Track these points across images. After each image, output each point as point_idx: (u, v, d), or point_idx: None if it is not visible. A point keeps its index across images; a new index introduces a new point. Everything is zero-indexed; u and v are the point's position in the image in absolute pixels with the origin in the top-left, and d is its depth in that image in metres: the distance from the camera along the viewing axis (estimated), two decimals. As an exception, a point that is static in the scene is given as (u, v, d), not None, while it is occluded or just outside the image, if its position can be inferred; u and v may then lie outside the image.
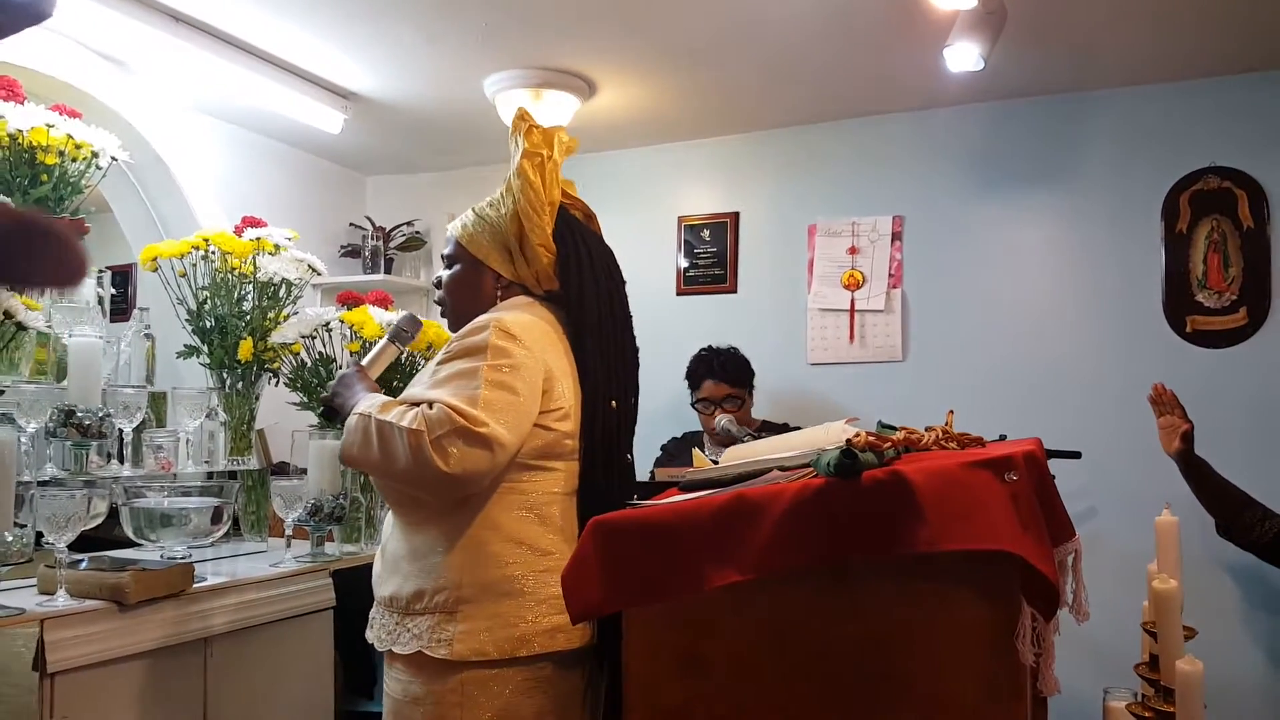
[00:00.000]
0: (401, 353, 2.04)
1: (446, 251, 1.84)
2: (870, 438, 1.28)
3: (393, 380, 2.55)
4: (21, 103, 2.20)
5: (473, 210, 1.81)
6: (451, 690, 1.53)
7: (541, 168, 1.72)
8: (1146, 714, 1.45)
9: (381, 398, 1.64)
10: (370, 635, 1.67)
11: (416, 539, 1.61)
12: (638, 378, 1.82)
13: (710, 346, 3.39)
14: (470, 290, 1.78)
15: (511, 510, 1.58)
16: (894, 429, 1.53)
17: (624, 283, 1.83)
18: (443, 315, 1.85)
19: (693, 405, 3.36)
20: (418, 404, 1.53)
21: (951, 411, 1.85)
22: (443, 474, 1.47)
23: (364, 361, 1.86)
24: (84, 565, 1.92)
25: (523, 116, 1.76)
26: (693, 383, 3.36)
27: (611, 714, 1.60)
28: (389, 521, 1.71)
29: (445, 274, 1.83)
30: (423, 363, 2.61)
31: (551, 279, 1.75)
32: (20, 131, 2.15)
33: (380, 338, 1.99)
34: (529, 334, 1.60)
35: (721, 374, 3.28)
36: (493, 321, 1.58)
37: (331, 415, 1.78)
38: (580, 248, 1.74)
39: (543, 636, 1.54)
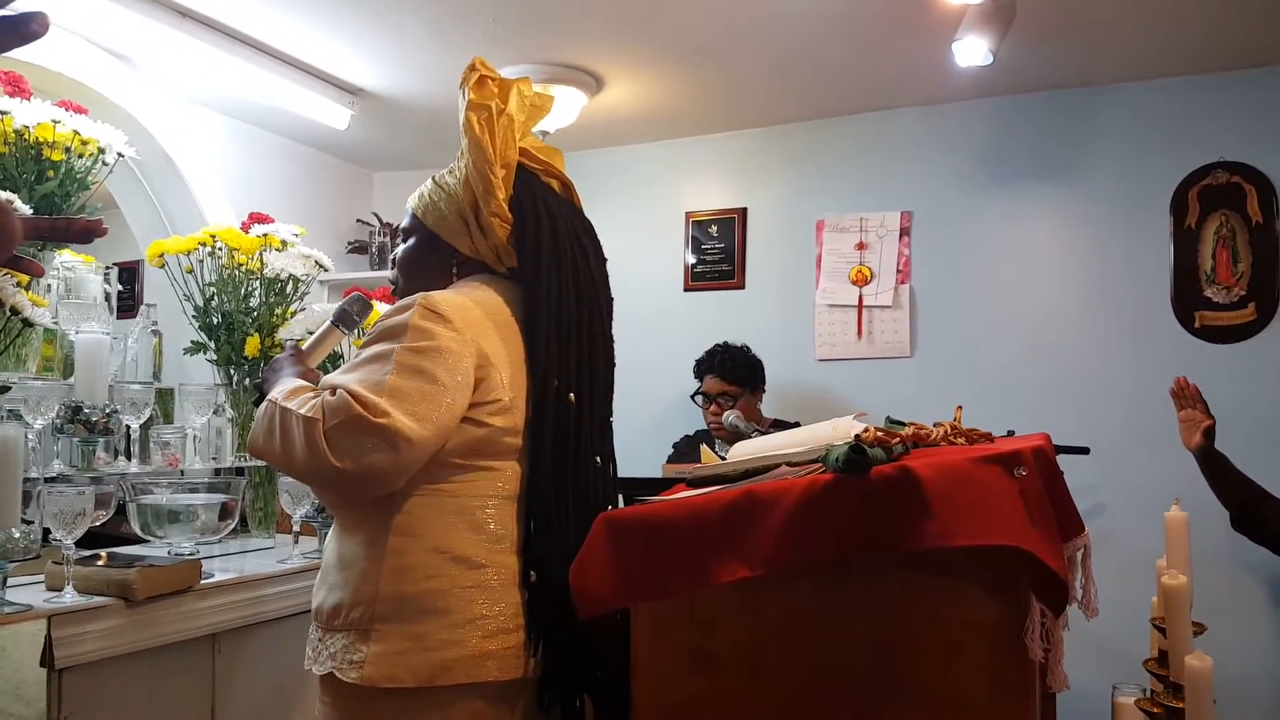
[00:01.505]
0: (346, 337, 1.84)
1: (402, 224, 1.63)
2: (879, 433, 1.27)
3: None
4: (28, 98, 2.20)
5: (432, 178, 1.59)
6: (365, 717, 1.34)
7: (489, 122, 1.48)
8: (1155, 710, 1.45)
9: (298, 383, 1.45)
10: (306, 651, 1.47)
11: (343, 546, 1.42)
12: (611, 370, 1.59)
13: (725, 343, 3.42)
14: (423, 267, 1.57)
15: (437, 515, 1.37)
16: (902, 425, 1.52)
17: (603, 261, 1.61)
18: (393, 294, 1.64)
19: (692, 397, 3.40)
20: (324, 391, 1.35)
21: (960, 407, 1.85)
22: (334, 469, 1.28)
23: (305, 346, 1.68)
24: (99, 562, 1.92)
25: (474, 66, 1.52)
26: (698, 375, 3.40)
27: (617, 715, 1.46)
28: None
29: (399, 249, 1.63)
30: None
31: (512, 254, 1.51)
32: (26, 127, 2.16)
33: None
34: (460, 315, 1.38)
35: (721, 370, 3.31)
36: (419, 299, 1.37)
37: (260, 401, 1.55)
38: (543, 217, 1.51)
39: (468, 664, 1.32)
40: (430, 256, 1.57)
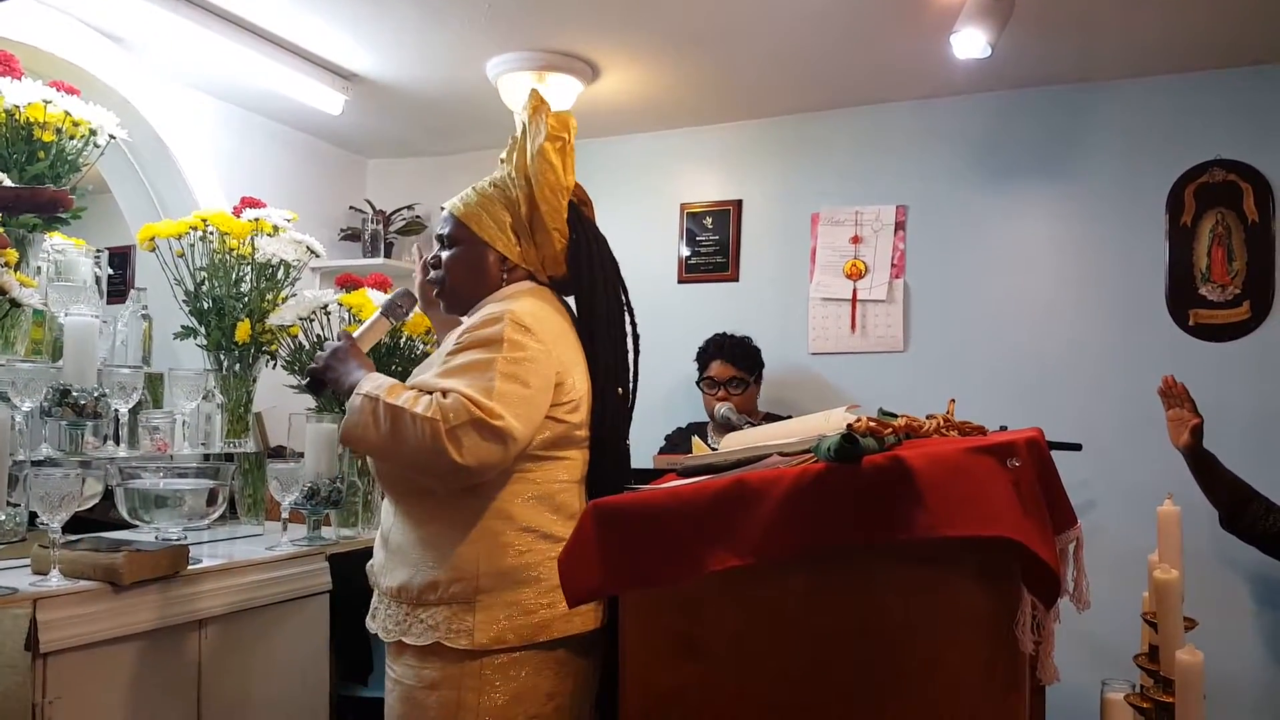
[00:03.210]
0: (393, 327, 2.03)
1: (445, 231, 1.78)
2: (871, 423, 1.27)
3: (391, 364, 2.54)
4: (19, 78, 2.18)
5: (473, 190, 1.77)
6: (470, 675, 1.53)
7: (563, 151, 1.71)
8: (1145, 705, 1.44)
9: (387, 379, 1.61)
10: (373, 625, 1.66)
11: (424, 530, 1.60)
12: (637, 367, 1.83)
13: (724, 332, 3.44)
14: (473, 272, 1.74)
15: (523, 499, 1.59)
16: (895, 417, 1.51)
17: (618, 268, 1.84)
18: (438, 296, 1.81)
19: (698, 384, 3.39)
20: (430, 391, 1.52)
21: (953, 400, 1.84)
22: (456, 464, 1.46)
23: (355, 335, 1.81)
24: (80, 546, 1.90)
25: (539, 98, 1.74)
26: (701, 362, 3.40)
27: (607, 695, 1.60)
28: (389, 510, 1.69)
29: (445, 254, 1.77)
30: (420, 345, 2.60)
31: (558, 265, 1.74)
32: (17, 107, 2.13)
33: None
34: (542, 327, 1.60)
35: (730, 356, 3.34)
36: (507, 314, 1.57)
37: (318, 387, 1.75)
38: (591, 238, 1.75)
39: (560, 621, 1.56)
40: (483, 261, 1.74)
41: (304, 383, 1.79)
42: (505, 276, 1.74)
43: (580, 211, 1.77)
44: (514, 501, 1.58)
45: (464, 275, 1.75)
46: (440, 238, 1.80)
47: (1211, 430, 2.72)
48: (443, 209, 1.80)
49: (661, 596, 1.29)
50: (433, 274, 1.81)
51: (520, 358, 1.53)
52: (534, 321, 1.59)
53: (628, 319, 1.80)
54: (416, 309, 1.97)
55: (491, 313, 1.59)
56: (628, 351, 1.79)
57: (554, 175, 1.69)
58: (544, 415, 1.57)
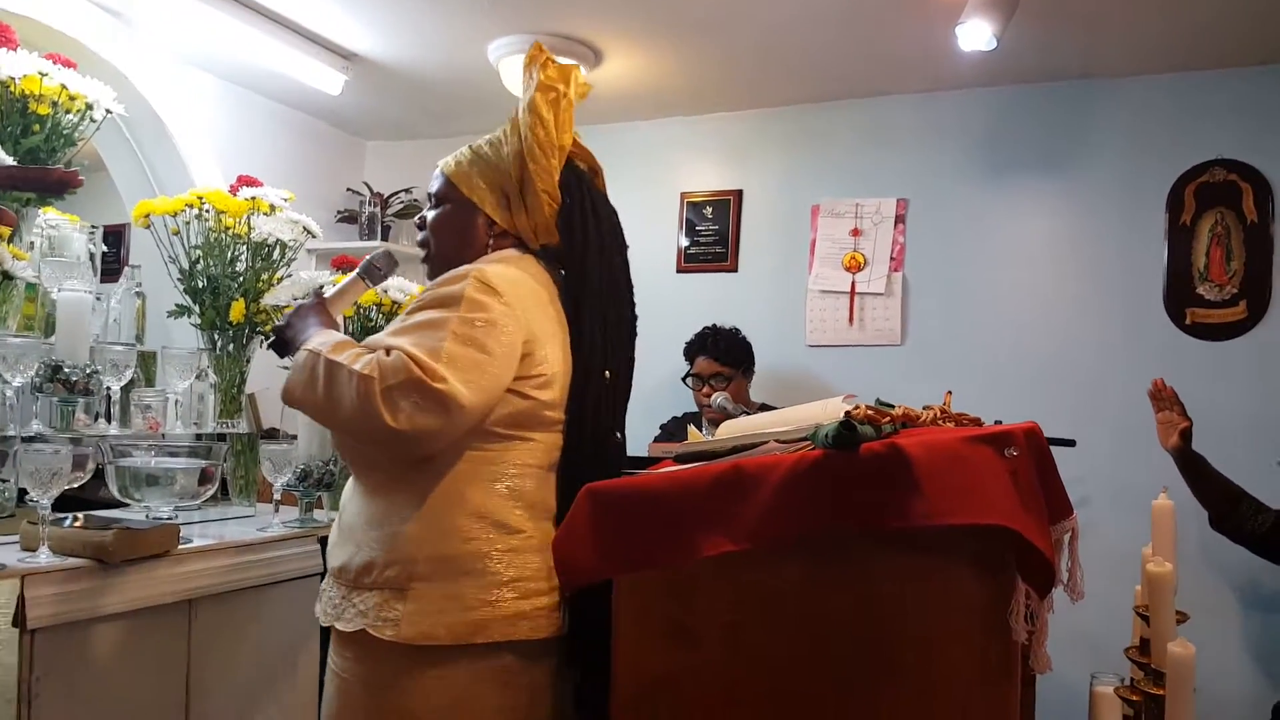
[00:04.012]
0: (369, 289, 1.85)
1: (434, 189, 1.65)
2: (869, 411, 1.26)
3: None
4: (14, 49, 2.15)
5: (469, 147, 1.63)
6: (402, 674, 1.38)
7: (556, 104, 1.55)
8: (1135, 697, 1.44)
9: (337, 335, 1.48)
10: (317, 608, 1.52)
11: (373, 506, 1.46)
12: (633, 352, 1.66)
13: (714, 325, 3.42)
14: (458, 234, 1.60)
15: (479, 481, 1.42)
16: (891, 407, 1.51)
17: (626, 247, 1.67)
18: (423, 261, 1.67)
19: (683, 379, 3.38)
20: (376, 349, 1.38)
21: (949, 392, 1.83)
22: (388, 428, 1.31)
23: (328, 295, 1.68)
24: (68, 523, 1.89)
25: (540, 48, 1.58)
26: (688, 357, 3.40)
27: (592, 703, 1.47)
28: (349, 486, 1.56)
29: (431, 214, 1.64)
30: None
31: (550, 232, 1.58)
32: (12, 79, 2.11)
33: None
34: (513, 290, 1.44)
35: (714, 351, 3.32)
36: (473, 271, 1.42)
37: (281, 347, 1.60)
38: (586, 201, 1.58)
39: (502, 623, 1.37)
40: (469, 222, 1.60)
41: (269, 344, 1.66)
42: (492, 242, 1.59)
43: (579, 174, 1.61)
44: (466, 482, 1.41)
45: (448, 237, 1.61)
46: (429, 196, 1.68)
47: (1206, 429, 2.72)
48: (437, 166, 1.67)
49: (655, 581, 1.28)
50: (419, 235, 1.69)
51: (479, 319, 1.37)
52: (503, 283, 1.42)
53: (625, 301, 1.64)
54: (397, 273, 1.82)
55: (456, 271, 1.44)
56: (624, 333, 1.62)
57: (543, 131, 1.54)
58: (504, 387, 1.40)
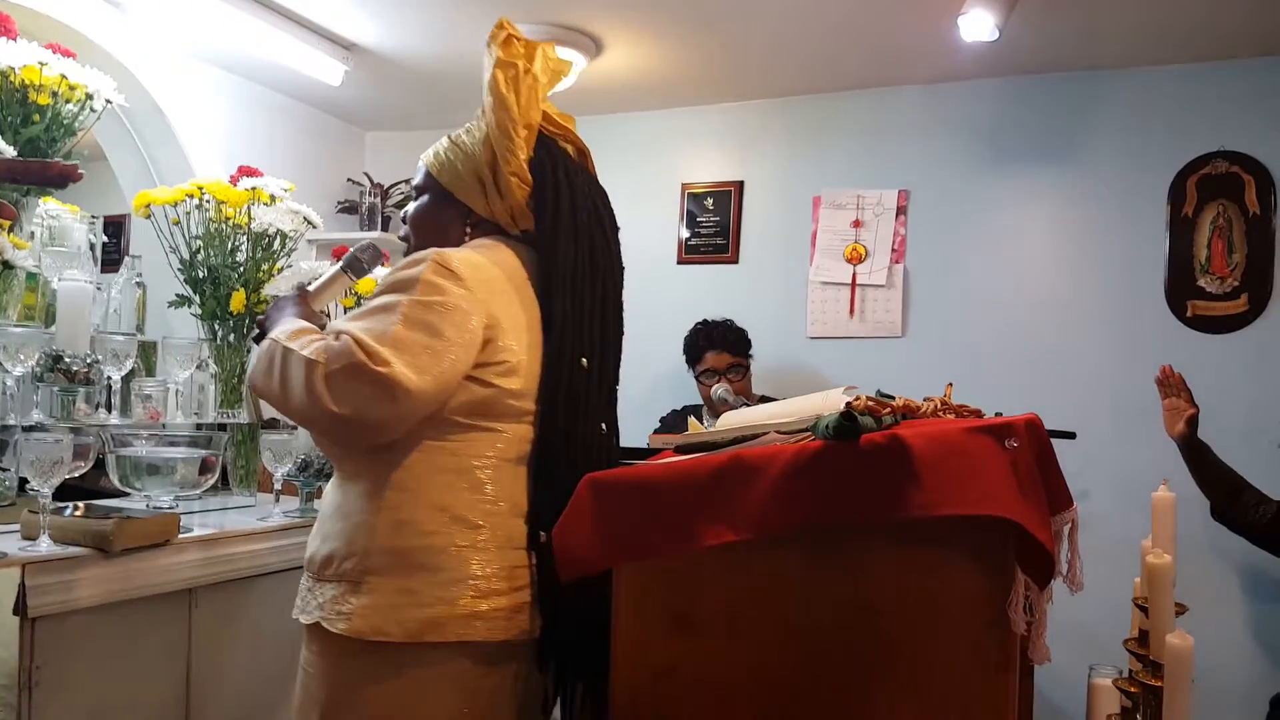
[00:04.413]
0: (354, 282, 1.82)
1: (415, 181, 1.62)
2: (870, 403, 1.26)
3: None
4: (14, 39, 2.15)
5: (447, 136, 1.58)
6: (355, 670, 1.34)
7: (516, 81, 1.47)
8: (1133, 689, 1.44)
9: (301, 323, 1.45)
10: (297, 600, 1.48)
11: (340, 496, 1.42)
12: (620, 339, 1.60)
13: (705, 320, 3.40)
14: (435, 226, 1.57)
15: (438, 472, 1.36)
16: (892, 398, 1.51)
17: (616, 229, 1.61)
18: (405, 255, 1.57)
19: (697, 378, 3.35)
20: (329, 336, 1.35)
21: (950, 384, 1.83)
22: (331, 413, 1.27)
23: (311, 288, 1.67)
24: (69, 512, 1.89)
25: (501, 25, 1.51)
26: (693, 356, 3.36)
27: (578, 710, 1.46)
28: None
29: (411, 207, 1.62)
30: None
31: (527, 216, 1.52)
32: (12, 68, 2.10)
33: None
34: (474, 274, 1.38)
35: (723, 344, 3.30)
36: (433, 254, 1.37)
37: (262, 340, 1.53)
38: (561, 182, 1.51)
39: (456, 622, 1.32)
40: (444, 214, 1.57)
41: (254, 337, 1.63)
42: (469, 231, 1.55)
43: (556, 154, 1.54)
44: (427, 474, 1.36)
45: (424, 230, 1.58)
46: (412, 190, 1.65)
47: (1207, 422, 2.72)
48: (419, 160, 1.64)
49: (654, 571, 1.28)
50: (402, 230, 1.65)
51: (434, 302, 1.32)
52: (464, 267, 1.37)
53: (607, 284, 1.55)
54: (380, 266, 1.79)
55: (417, 255, 1.39)
56: (605, 320, 1.54)
57: (501, 112, 1.47)
58: (460, 372, 1.34)
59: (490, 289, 1.40)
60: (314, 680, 1.38)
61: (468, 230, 1.56)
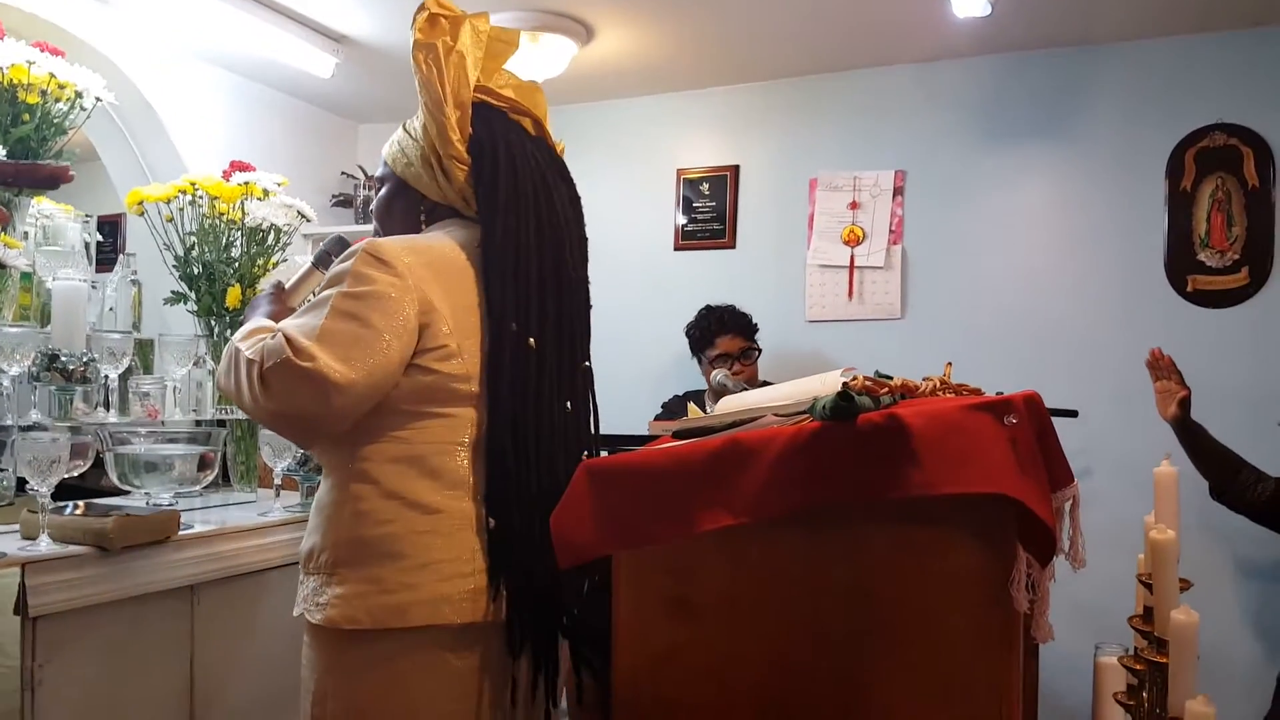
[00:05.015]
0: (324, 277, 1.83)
1: (377, 173, 1.64)
2: (868, 382, 1.25)
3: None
4: (1, 38, 2.14)
5: (402, 126, 1.58)
6: (334, 657, 1.38)
7: (437, 61, 1.43)
8: (1139, 666, 1.44)
9: (261, 322, 1.49)
10: None
11: (320, 490, 1.47)
12: (585, 312, 1.57)
13: (709, 305, 3.38)
14: (394, 215, 1.58)
15: (392, 461, 1.38)
16: (890, 378, 1.50)
17: (576, 200, 1.58)
18: None
19: (710, 363, 3.31)
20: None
21: (949, 363, 1.82)
22: (269, 411, 1.33)
23: (287, 286, 1.71)
24: (69, 511, 1.89)
25: (423, 5, 1.46)
26: (704, 342, 3.32)
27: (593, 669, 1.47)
28: None
29: (374, 199, 1.64)
30: None
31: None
32: (0, 68, 2.09)
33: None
34: (406, 261, 1.36)
35: (735, 327, 3.28)
36: (364, 245, 1.37)
37: None
38: (500, 156, 1.47)
39: (423, 607, 1.34)
40: (401, 203, 1.57)
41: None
42: (424, 217, 1.55)
43: (498, 128, 1.50)
44: (378, 463, 1.38)
45: (386, 220, 1.60)
46: (375, 180, 1.67)
47: (1207, 397, 2.71)
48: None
49: (654, 557, 1.28)
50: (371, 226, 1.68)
51: (362, 293, 1.32)
52: (395, 255, 1.36)
53: (557, 257, 1.51)
54: None
55: (352, 248, 1.40)
56: (559, 296, 1.50)
57: (425, 93, 1.44)
58: (394, 360, 1.34)
59: (423, 274, 1.38)
60: (305, 669, 1.43)
61: (423, 215, 1.55)
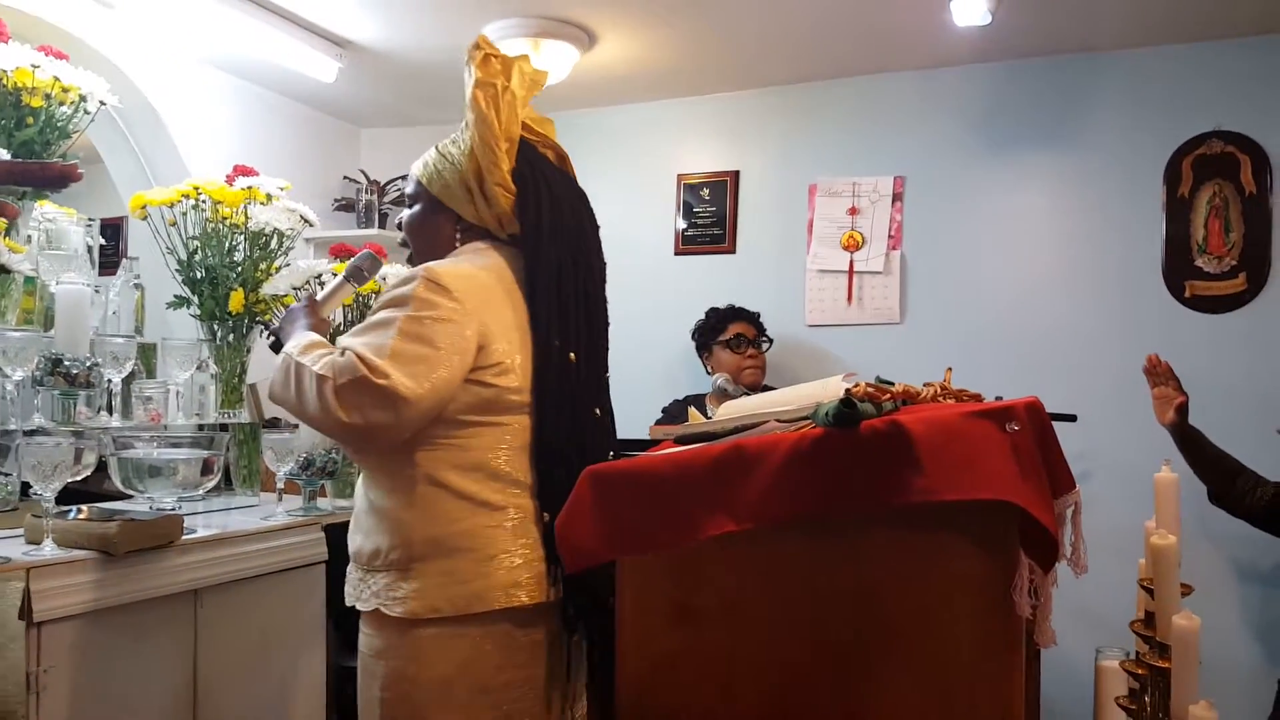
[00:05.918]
0: (356, 290, 1.97)
1: (408, 190, 1.74)
2: (869, 389, 1.26)
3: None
4: (5, 41, 2.15)
5: (435, 148, 1.70)
6: (409, 645, 1.50)
7: (496, 99, 1.60)
8: (1140, 671, 1.45)
9: (312, 337, 1.61)
10: (347, 590, 1.64)
11: (374, 494, 1.58)
12: (606, 330, 1.73)
13: (715, 307, 3.47)
14: (429, 233, 1.70)
15: (455, 466, 1.52)
16: (891, 384, 1.51)
17: (597, 229, 1.74)
18: (408, 261, 1.79)
19: (727, 345, 3.38)
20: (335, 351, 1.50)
21: (950, 369, 1.83)
22: (343, 423, 1.44)
23: (319, 297, 1.81)
24: (73, 515, 1.89)
25: (478, 45, 1.62)
26: (717, 329, 3.42)
27: (602, 665, 1.56)
28: (361, 474, 1.67)
29: (406, 214, 1.74)
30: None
31: (514, 221, 1.64)
32: (4, 71, 2.10)
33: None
34: (464, 286, 1.51)
35: (746, 318, 3.42)
36: (423, 272, 1.51)
37: (277, 349, 1.71)
38: (541, 188, 1.63)
39: (498, 592, 1.50)
40: (436, 221, 1.69)
41: (270, 345, 1.78)
42: (459, 237, 1.68)
43: (536, 162, 1.66)
44: (446, 468, 1.51)
45: (420, 237, 1.71)
46: (405, 198, 1.77)
47: (1205, 402, 2.72)
48: (411, 170, 1.76)
49: (657, 562, 1.29)
50: (400, 236, 1.78)
51: (428, 317, 1.46)
52: (453, 280, 1.50)
53: (591, 281, 1.68)
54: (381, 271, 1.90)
55: (410, 271, 1.54)
56: (591, 316, 1.67)
57: (484, 128, 1.59)
58: (456, 378, 1.48)
59: (479, 299, 1.53)
60: (375, 659, 1.54)
61: (458, 235, 1.68)
